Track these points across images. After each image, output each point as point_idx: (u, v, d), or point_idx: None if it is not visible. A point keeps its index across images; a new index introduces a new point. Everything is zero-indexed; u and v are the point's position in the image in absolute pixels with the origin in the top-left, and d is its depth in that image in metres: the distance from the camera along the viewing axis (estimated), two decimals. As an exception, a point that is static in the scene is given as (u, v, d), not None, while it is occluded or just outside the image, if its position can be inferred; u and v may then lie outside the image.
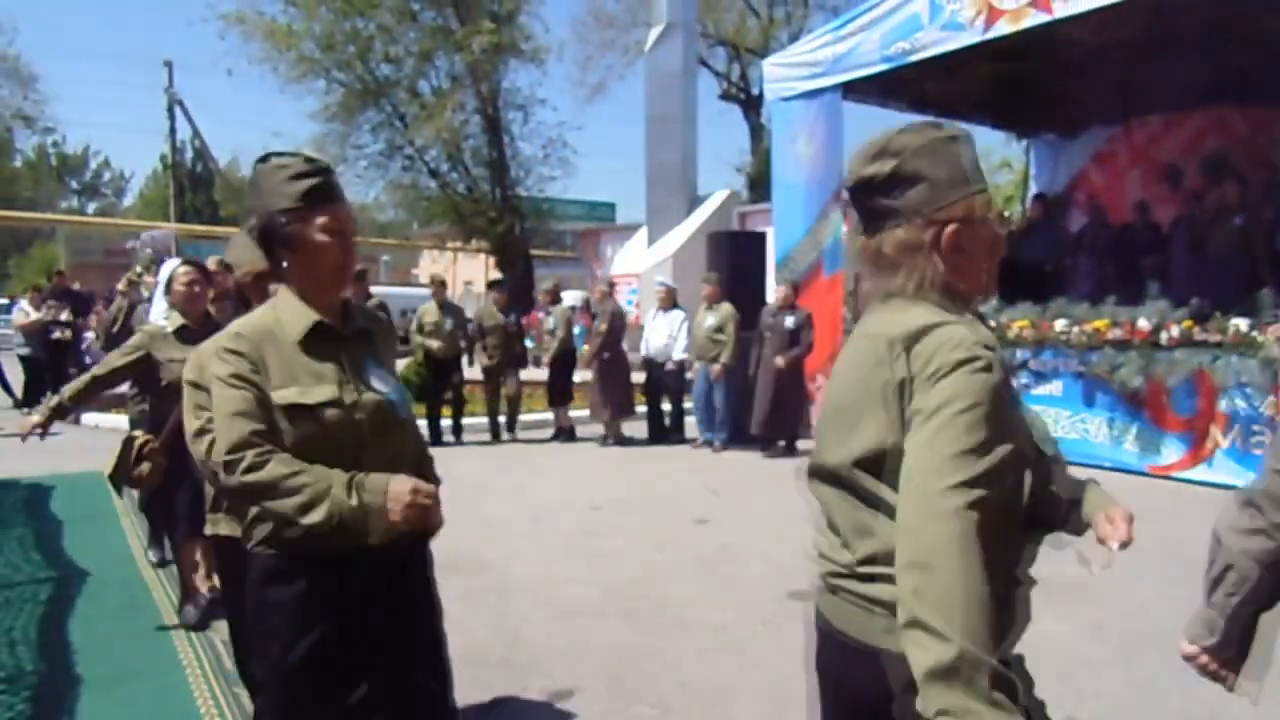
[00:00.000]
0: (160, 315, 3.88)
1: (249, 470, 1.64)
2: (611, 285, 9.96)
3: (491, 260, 22.08)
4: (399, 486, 1.68)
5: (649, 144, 15.02)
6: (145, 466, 3.37)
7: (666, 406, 9.13)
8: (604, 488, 6.73)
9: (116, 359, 3.56)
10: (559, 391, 9.14)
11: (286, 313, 1.77)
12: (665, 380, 8.96)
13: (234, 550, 2.21)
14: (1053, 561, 4.51)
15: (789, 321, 8.19)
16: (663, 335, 8.88)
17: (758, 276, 9.37)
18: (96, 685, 3.22)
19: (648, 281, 13.50)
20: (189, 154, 32.51)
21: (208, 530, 2.57)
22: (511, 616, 3.97)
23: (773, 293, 9.57)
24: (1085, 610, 4.00)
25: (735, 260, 9.19)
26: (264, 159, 1.78)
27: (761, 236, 9.91)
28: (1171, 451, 6.89)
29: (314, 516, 1.62)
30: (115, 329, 5.04)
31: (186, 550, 3.88)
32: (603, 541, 5.27)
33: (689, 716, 3.02)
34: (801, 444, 8.21)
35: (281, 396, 1.69)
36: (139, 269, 4.53)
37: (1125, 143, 10.97)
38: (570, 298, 11.42)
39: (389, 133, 20.18)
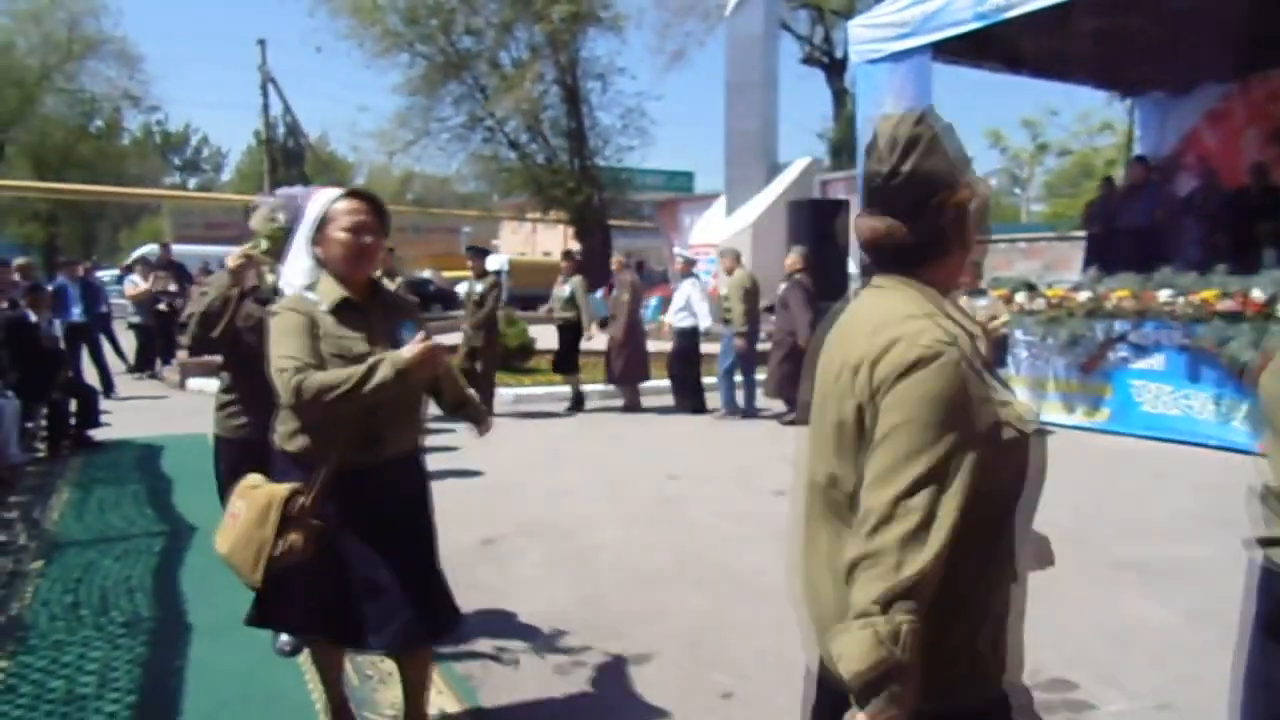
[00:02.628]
0: (301, 278, 2.34)
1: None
2: (627, 255, 10.14)
3: (570, 231, 22.26)
4: None
5: (728, 111, 14.80)
6: (294, 537, 2.15)
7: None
8: (681, 458, 6.75)
9: (303, 349, 2.16)
10: (570, 361, 9.04)
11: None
12: (676, 350, 8.95)
13: None
14: (1152, 543, 4.33)
15: (780, 289, 8.18)
16: (675, 305, 8.93)
17: (840, 245, 9.17)
18: (206, 632, 3.44)
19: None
20: (281, 129, 33.69)
21: None
22: (590, 581, 4.05)
23: (854, 261, 9.40)
24: (1186, 595, 3.82)
25: (816, 229, 9.02)
26: None
27: (844, 204, 9.69)
28: (1285, 430, 6.47)
29: None
30: (217, 331, 3.01)
31: (417, 666, 2.48)
32: (681, 510, 5.30)
33: (765, 686, 3.03)
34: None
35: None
36: (263, 243, 2.95)
37: (1242, 100, 10.25)
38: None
39: (470, 105, 20.48)
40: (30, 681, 3.01)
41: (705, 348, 9.13)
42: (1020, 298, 8.26)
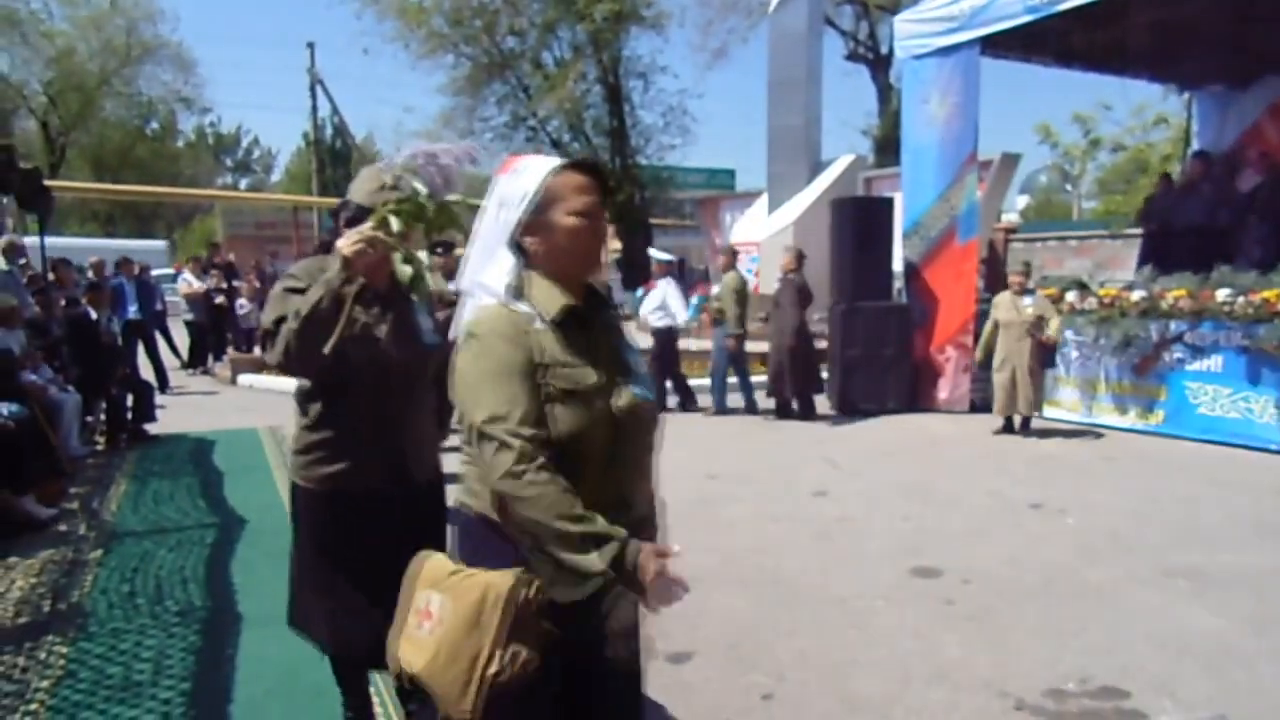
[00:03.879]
0: (502, 279, 1.63)
1: None
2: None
3: (611, 229, 22.32)
4: None
5: (771, 108, 14.68)
6: (521, 648, 1.50)
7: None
8: (719, 458, 6.73)
9: (521, 400, 1.50)
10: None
11: None
12: (654, 349, 8.77)
13: None
14: (1207, 550, 4.20)
15: (774, 288, 8.53)
16: (651, 305, 8.88)
17: (884, 244, 9.05)
18: (255, 622, 3.52)
19: (768, 250, 13.29)
20: (329, 130, 34.31)
21: None
22: (630, 579, 4.05)
23: (898, 260, 9.27)
24: (1242, 603, 3.71)
25: (860, 227, 8.91)
26: None
27: (888, 202, 9.55)
28: (1351, 435, 6.25)
29: None
30: (329, 345, 2.07)
31: None
32: (720, 510, 5.29)
33: (806, 688, 3.01)
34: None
35: None
36: (393, 221, 2.04)
37: (1307, 92, 9.88)
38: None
39: (513, 104, 20.65)
40: (89, 667, 3.12)
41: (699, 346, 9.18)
42: (1071, 296, 8.07)
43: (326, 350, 2.04)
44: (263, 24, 79.79)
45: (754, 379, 8.83)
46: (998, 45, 8.65)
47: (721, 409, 8.61)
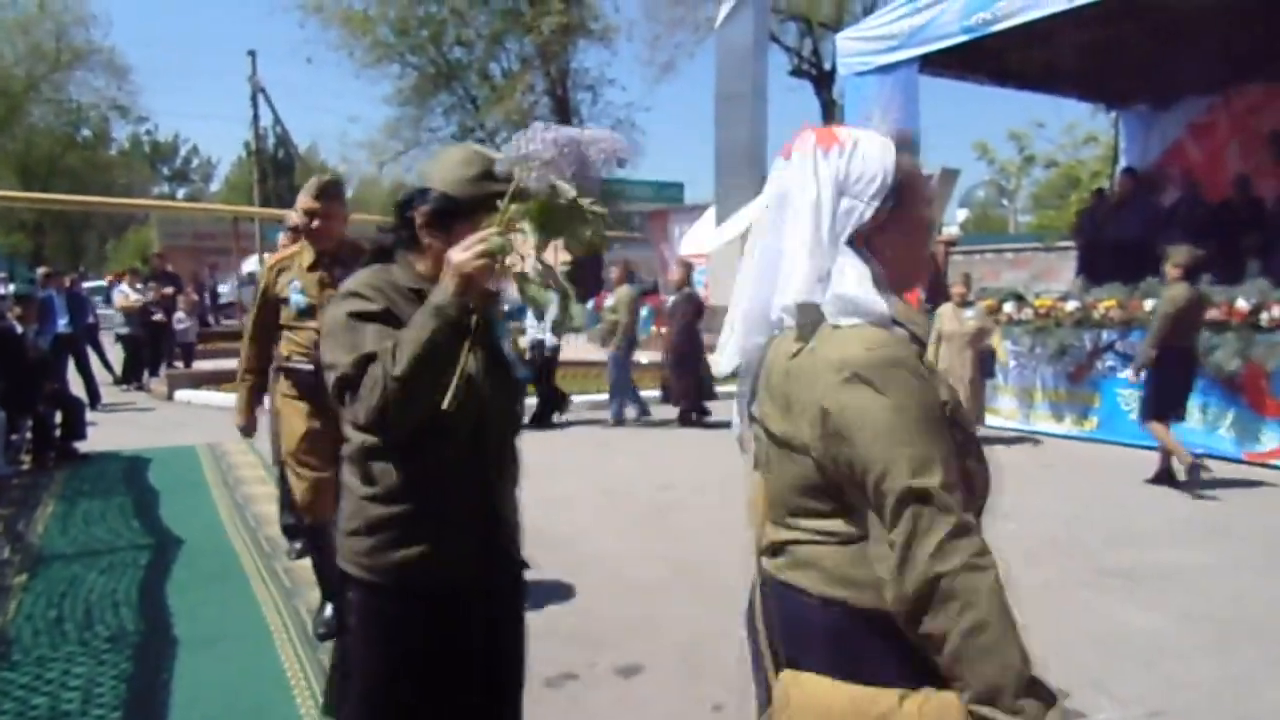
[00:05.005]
0: (874, 295, 1.19)
1: None
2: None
3: (559, 241, 22.30)
4: None
5: (718, 122, 14.87)
6: None
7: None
8: (674, 468, 6.75)
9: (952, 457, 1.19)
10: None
11: None
12: (537, 361, 8.64)
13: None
14: (1140, 551, 4.34)
15: (669, 302, 9.15)
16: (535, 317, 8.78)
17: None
18: (192, 646, 3.40)
19: (717, 262, 13.43)
20: (271, 140, 33.62)
21: None
22: (582, 591, 4.03)
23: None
24: (1175, 601, 3.84)
25: (806, 239, 9.08)
26: None
27: (833, 215, 9.74)
28: (1271, 438, 6.53)
29: None
30: (451, 398, 1.48)
31: None
32: (673, 520, 5.29)
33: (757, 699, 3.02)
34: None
35: None
36: (527, 230, 1.53)
37: (1224, 112, 10.36)
38: None
39: (461, 115, 20.56)
40: (13, 698, 2.97)
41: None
42: (1008, 308, 8.31)
43: (446, 406, 1.45)
44: (202, 31, 78.08)
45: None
46: (936, 64, 8.91)
47: (619, 418, 8.78)
